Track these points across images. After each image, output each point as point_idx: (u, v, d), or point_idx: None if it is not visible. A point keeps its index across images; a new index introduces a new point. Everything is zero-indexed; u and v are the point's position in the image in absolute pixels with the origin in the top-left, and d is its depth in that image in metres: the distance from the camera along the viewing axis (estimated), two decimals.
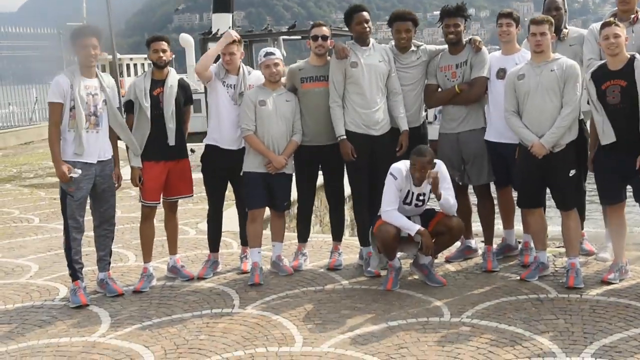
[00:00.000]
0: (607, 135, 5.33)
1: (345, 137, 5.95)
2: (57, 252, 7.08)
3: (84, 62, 5.49)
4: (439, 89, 6.18)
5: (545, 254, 5.78)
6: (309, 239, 6.52)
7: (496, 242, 6.41)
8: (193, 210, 8.98)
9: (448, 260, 6.32)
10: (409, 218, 5.60)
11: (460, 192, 6.34)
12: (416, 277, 5.84)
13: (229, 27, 27.13)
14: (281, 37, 22.11)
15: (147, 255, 6.10)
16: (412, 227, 5.45)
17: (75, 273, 5.61)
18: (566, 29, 6.15)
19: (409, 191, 5.57)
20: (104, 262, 5.83)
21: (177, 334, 4.86)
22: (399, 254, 5.80)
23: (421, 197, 5.59)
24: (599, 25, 5.88)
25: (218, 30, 30.05)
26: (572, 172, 5.50)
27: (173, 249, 6.25)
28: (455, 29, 6.02)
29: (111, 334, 4.92)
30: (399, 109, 6.07)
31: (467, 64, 6.03)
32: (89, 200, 5.68)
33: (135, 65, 42.16)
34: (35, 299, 5.82)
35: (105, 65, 28.30)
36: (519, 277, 5.70)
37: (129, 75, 39.01)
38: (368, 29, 5.98)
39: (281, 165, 5.91)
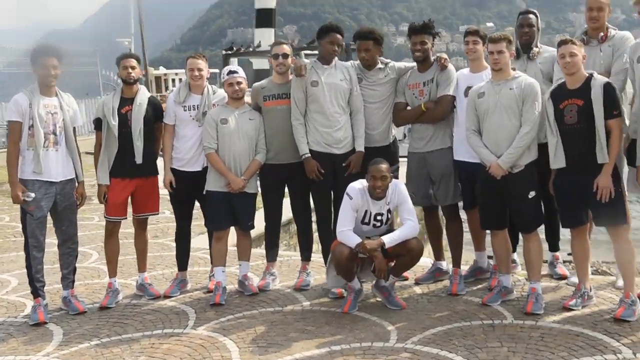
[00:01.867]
0: (558, 159, 5.17)
1: (309, 154, 5.90)
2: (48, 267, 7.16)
3: (43, 81, 5.57)
4: (408, 107, 6.09)
5: (509, 278, 5.62)
6: (283, 258, 6.47)
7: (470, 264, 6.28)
8: None
9: (417, 282, 6.20)
10: (368, 239, 5.51)
11: (431, 213, 6.25)
12: (379, 299, 5.73)
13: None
14: (302, 52, 22.13)
15: (112, 271, 6.15)
16: (353, 241, 5.33)
17: (36, 290, 5.67)
18: (537, 47, 5.99)
19: (366, 211, 5.48)
20: (67, 280, 5.88)
21: (119, 354, 4.86)
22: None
23: (379, 217, 5.50)
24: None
25: (260, 42, 30.36)
26: (532, 194, 5.34)
27: (142, 267, 6.28)
28: (422, 47, 5.93)
29: (56, 352, 4.95)
30: (357, 128, 6.00)
31: (434, 81, 5.94)
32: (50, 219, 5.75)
33: (180, 79, 42.76)
34: (1, 314, 5.90)
35: (148, 81, 28.80)
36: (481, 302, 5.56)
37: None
38: (337, 51, 5.94)
39: (238, 187, 5.88)
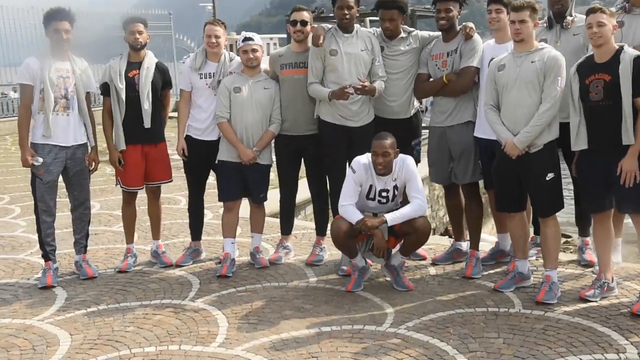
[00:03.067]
0: (580, 140, 4.78)
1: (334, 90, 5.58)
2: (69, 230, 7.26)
3: (54, 45, 5.53)
4: (430, 79, 5.77)
5: (526, 263, 5.27)
6: (305, 230, 6.30)
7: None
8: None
9: (434, 263, 5.93)
10: (375, 215, 5.28)
11: (451, 191, 5.95)
12: (388, 279, 5.50)
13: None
14: (367, 18, 21.57)
15: (129, 236, 6.17)
16: (355, 218, 5.09)
17: (46, 254, 5.71)
18: (571, 16, 5.53)
19: (371, 186, 5.24)
20: (79, 245, 5.91)
21: (110, 323, 4.82)
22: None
23: (384, 194, 5.24)
24: None
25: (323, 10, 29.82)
26: (550, 176, 4.95)
27: (156, 234, 6.24)
28: (447, 14, 5.58)
29: (52, 318, 4.96)
30: (376, 83, 5.67)
31: (457, 52, 5.58)
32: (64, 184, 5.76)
33: (275, 44, 42.29)
34: (16, 275, 6.00)
35: (233, 45, 28.76)
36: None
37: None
38: (349, 16, 5.63)
39: (249, 158, 5.72)
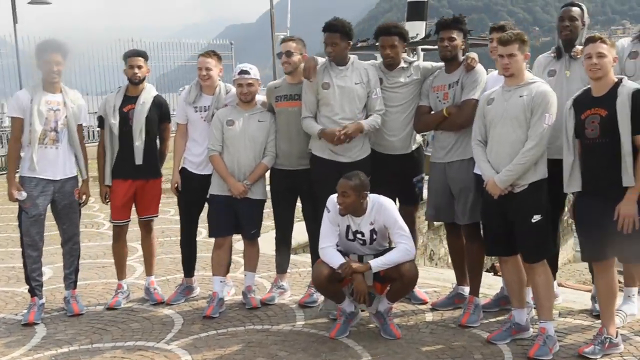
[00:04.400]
0: (573, 181, 4.38)
1: (323, 128, 5.35)
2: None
3: (46, 77, 5.47)
4: (432, 112, 5.43)
5: (523, 313, 4.82)
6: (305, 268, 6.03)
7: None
8: None
9: (434, 307, 5.54)
10: (360, 258, 4.96)
11: (453, 232, 5.56)
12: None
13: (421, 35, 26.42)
14: (419, 47, 21.29)
15: (120, 273, 6.01)
16: (336, 262, 4.79)
17: (32, 289, 5.61)
18: (581, 45, 5.11)
19: (348, 226, 4.92)
20: (68, 280, 5.78)
21: None
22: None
23: (359, 236, 4.91)
24: (626, 41, 4.90)
25: (417, 34, 29.62)
26: (536, 218, 4.52)
27: (148, 270, 6.09)
28: (449, 43, 5.25)
29: (20, 358, 4.81)
30: (371, 117, 5.39)
31: (459, 84, 5.24)
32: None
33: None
34: (7, 310, 5.91)
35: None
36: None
37: None
38: (333, 53, 5.36)
39: (239, 192, 5.50)
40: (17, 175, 5.51)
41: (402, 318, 5.34)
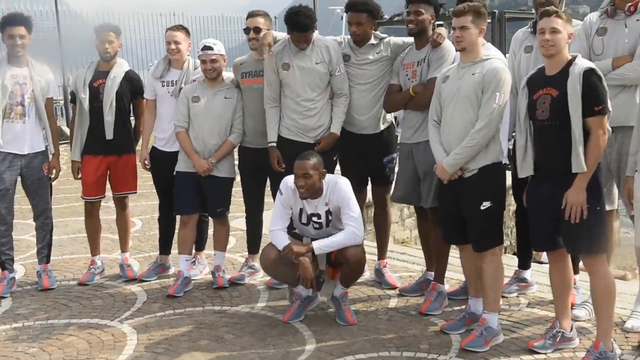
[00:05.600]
0: (525, 165, 4.10)
1: (274, 144, 5.26)
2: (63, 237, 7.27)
3: (9, 51, 5.45)
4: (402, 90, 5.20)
5: (479, 303, 4.59)
6: None
7: None
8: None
9: (401, 293, 5.35)
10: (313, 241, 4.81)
11: (422, 215, 5.34)
12: None
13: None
14: (436, 23, 20.35)
15: (93, 248, 6.00)
16: (281, 243, 4.66)
17: (2, 263, 5.64)
18: None
19: (301, 209, 4.76)
20: (41, 254, 5.80)
21: (20, 341, 4.64)
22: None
23: (314, 219, 4.74)
24: (594, 16, 4.59)
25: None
26: (486, 205, 4.27)
27: (122, 246, 6.05)
28: (416, 17, 5.00)
29: None
30: (337, 111, 5.26)
31: (425, 61, 4.99)
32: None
33: None
34: None
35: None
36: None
37: None
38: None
39: (203, 169, 5.39)
40: None
41: (365, 303, 5.18)
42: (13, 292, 5.62)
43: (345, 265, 4.66)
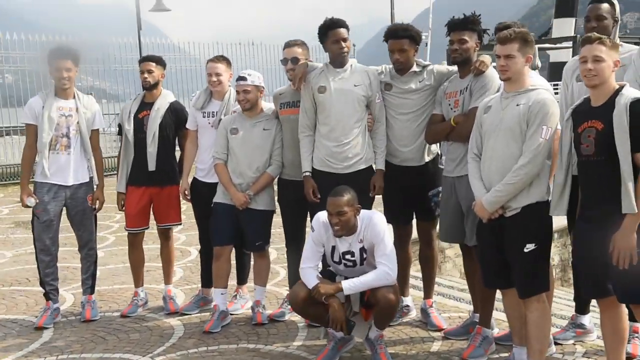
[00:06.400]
0: (561, 204, 3.77)
1: (308, 173, 5.08)
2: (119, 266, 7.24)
3: (56, 84, 5.50)
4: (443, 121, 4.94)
5: (524, 352, 4.22)
6: None
7: None
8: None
9: (446, 336, 5.03)
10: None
11: (467, 254, 5.02)
12: None
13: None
14: (536, 46, 19.77)
15: (137, 280, 5.95)
16: (310, 282, 4.45)
17: (46, 294, 5.65)
18: None
19: (333, 247, 4.54)
20: (85, 285, 5.79)
21: None
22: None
23: (348, 256, 4.50)
24: None
25: (550, 31, 27.89)
26: (529, 248, 3.93)
27: (166, 278, 5.99)
28: (460, 46, 4.74)
29: None
30: (377, 143, 5.05)
31: (468, 90, 4.72)
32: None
33: None
34: (34, 310, 5.96)
35: None
36: None
37: None
38: (345, 49, 4.99)
39: (240, 203, 5.26)
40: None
41: (406, 346, 4.89)
42: (57, 323, 5.62)
43: (376, 306, 4.40)
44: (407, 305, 5.44)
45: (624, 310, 3.83)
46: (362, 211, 4.51)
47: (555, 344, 4.71)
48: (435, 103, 4.99)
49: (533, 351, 4.00)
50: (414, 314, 5.45)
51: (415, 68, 5.03)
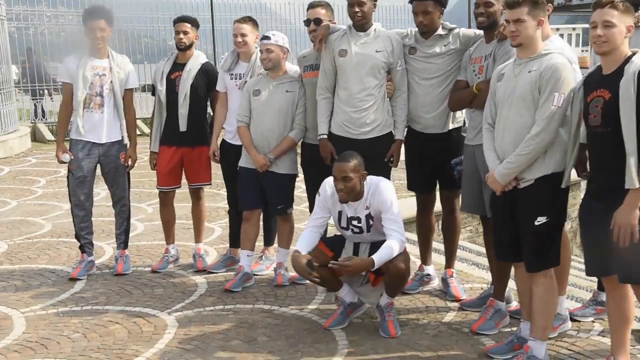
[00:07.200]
0: (568, 176, 3.59)
1: (325, 136, 5.04)
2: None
3: (91, 43, 5.61)
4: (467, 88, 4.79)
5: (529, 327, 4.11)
6: None
7: None
8: None
9: (462, 307, 4.95)
10: (356, 246, 4.57)
11: (487, 226, 4.89)
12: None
13: None
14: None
15: (168, 237, 6.10)
16: (300, 243, 4.51)
17: (81, 247, 5.86)
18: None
19: (340, 212, 4.51)
20: (118, 240, 5.97)
21: (69, 325, 4.77)
22: None
23: (354, 222, 4.47)
24: None
25: None
26: (541, 220, 3.78)
27: (196, 237, 6.10)
28: (486, 9, 4.57)
29: (34, 312, 5.02)
30: (398, 112, 4.96)
31: (492, 56, 4.56)
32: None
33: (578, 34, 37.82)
34: (69, 261, 6.22)
35: None
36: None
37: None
38: (360, 13, 4.87)
39: (260, 165, 5.27)
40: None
41: (420, 314, 4.85)
42: (91, 275, 5.83)
43: (386, 275, 4.36)
44: (429, 274, 5.37)
45: (631, 290, 3.67)
46: (369, 177, 4.46)
47: (573, 320, 4.57)
48: (461, 68, 4.85)
49: (537, 326, 3.89)
50: (436, 282, 5.38)
51: (440, 31, 4.88)
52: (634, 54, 3.42)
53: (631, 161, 3.30)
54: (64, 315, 4.96)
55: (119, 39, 17.07)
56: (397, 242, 4.30)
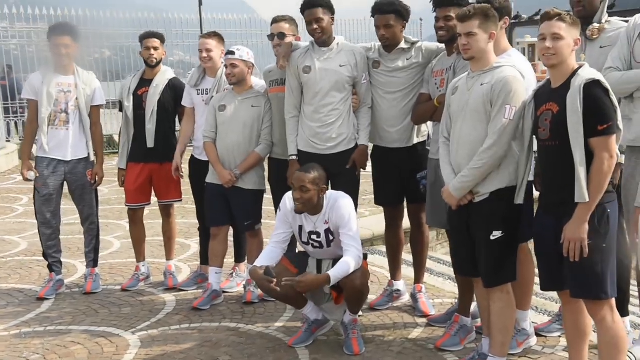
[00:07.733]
0: (522, 191, 3.57)
1: (295, 157, 4.99)
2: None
3: (55, 60, 5.58)
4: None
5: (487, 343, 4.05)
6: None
7: None
8: None
9: (430, 323, 4.89)
10: (319, 263, 4.52)
11: None
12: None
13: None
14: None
15: (138, 255, 6.04)
16: (259, 261, 4.45)
17: (49, 265, 5.80)
18: (600, 23, 4.15)
19: (300, 227, 4.46)
20: (87, 258, 5.91)
21: (33, 346, 4.69)
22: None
23: (314, 237, 4.42)
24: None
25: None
26: (496, 235, 3.73)
27: (168, 254, 6.05)
28: (445, 23, 4.54)
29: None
30: (362, 121, 4.93)
31: (452, 68, 4.52)
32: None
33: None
34: (39, 280, 6.16)
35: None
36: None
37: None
38: (319, 30, 4.83)
39: (225, 181, 5.23)
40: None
41: (386, 331, 4.78)
42: (59, 294, 5.77)
43: (344, 291, 4.31)
44: (399, 290, 5.31)
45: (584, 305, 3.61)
46: (329, 192, 4.42)
47: (538, 335, 4.50)
48: (424, 81, 4.81)
49: (495, 342, 3.83)
50: (407, 298, 5.32)
51: (403, 45, 4.85)
52: (580, 67, 3.38)
53: (580, 174, 3.25)
54: (25, 336, 4.90)
55: (120, 56, 17.21)
56: (353, 258, 4.25)
